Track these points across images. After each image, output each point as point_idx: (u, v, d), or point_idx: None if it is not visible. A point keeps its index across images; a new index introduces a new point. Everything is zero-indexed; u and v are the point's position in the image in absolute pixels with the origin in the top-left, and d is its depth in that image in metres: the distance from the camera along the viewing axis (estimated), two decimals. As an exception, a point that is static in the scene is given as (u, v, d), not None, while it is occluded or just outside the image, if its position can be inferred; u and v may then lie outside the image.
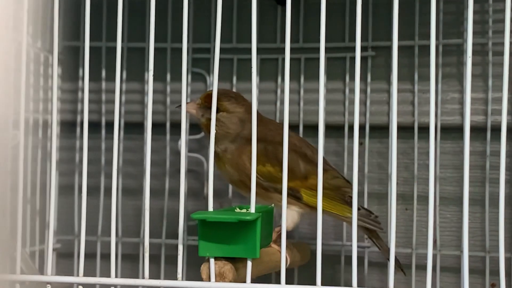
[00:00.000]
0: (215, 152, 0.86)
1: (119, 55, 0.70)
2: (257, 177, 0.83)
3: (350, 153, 1.01)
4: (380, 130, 1.02)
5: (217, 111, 0.84)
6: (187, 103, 0.85)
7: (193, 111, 0.87)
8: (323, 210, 0.83)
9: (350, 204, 0.86)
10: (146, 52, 1.05)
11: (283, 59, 0.68)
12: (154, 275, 1.01)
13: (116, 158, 0.70)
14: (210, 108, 0.85)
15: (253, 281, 0.69)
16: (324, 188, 0.84)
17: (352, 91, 1.02)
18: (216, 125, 0.84)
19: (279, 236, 0.68)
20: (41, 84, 1.01)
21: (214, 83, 0.68)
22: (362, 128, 1.00)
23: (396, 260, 0.91)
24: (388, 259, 0.91)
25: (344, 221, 0.90)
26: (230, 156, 0.85)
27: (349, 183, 0.91)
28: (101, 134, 1.06)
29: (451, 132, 1.01)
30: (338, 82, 1.04)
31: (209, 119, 0.85)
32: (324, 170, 0.88)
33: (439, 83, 1.00)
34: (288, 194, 0.84)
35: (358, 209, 0.88)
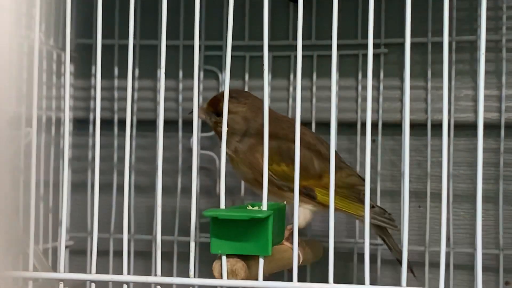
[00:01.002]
0: (227, 153, 0.86)
1: (131, 53, 0.70)
2: (271, 176, 0.84)
3: (363, 150, 1.00)
4: (393, 127, 1.02)
5: (220, 114, 0.85)
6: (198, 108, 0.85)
7: (202, 116, 0.88)
8: (337, 209, 0.83)
9: (364, 202, 0.86)
10: (158, 49, 1.05)
11: (295, 57, 0.68)
12: (167, 272, 1.01)
13: (128, 156, 0.70)
14: (214, 112, 0.86)
15: (266, 278, 0.69)
16: (338, 186, 0.84)
17: (364, 88, 1.02)
18: (220, 127, 0.85)
19: (292, 233, 0.68)
20: (54, 82, 1.01)
21: (226, 80, 0.67)
22: (374, 125, 1.00)
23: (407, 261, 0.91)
24: (398, 259, 0.91)
25: (358, 220, 0.90)
26: (243, 156, 0.85)
27: (363, 180, 0.91)
28: (113, 131, 1.06)
29: (464, 129, 1.00)
30: (350, 79, 1.04)
31: (215, 122, 0.87)
32: (339, 168, 0.88)
33: (453, 80, 1.00)
34: (302, 193, 0.84)
35: (373, 207, 0.88)
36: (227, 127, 0.85)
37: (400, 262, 0.90)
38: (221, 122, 0.84)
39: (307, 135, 0.90)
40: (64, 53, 1.01)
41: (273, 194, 0.84)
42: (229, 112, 0.85)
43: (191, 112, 0.79)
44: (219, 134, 0.87)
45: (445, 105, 0.64)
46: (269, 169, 0.83)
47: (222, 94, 0.84)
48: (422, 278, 0.98)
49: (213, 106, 0.87)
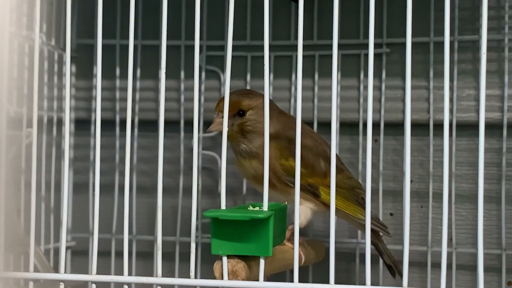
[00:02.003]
0: (246, 151, 0.85)
1: (131, 53, 0.70)
2: (279, 171, 0.84)
3: (365, 150, 1.00)
4: (395, 127, 1.02)
5: (243, 114, 0.85)
6: (211, 125, 0.84)
7: (220, 127, 0.85)
8: (337, 209, 0.83)
9: (362, 205, 0.86)
10: (160, 50, 1.05)
11: (297, 56, 0.67)
12: (169, 272, 1.01)
13: (128, 156, 0.70)
14: (233, 116, 0.85)
15: (267, 279, 0.68)
16: (340, 187, 0.84)
17: (367, 88, 1.02)
18: (249, 125, 0.84)
19: (293, 234, 0.68)
20: (56, 82, 1.01)
21: (227, 81, 0.67)
22: (377, 125, 1.00)
23: (395, 266, 0.90)
24: (389, 265, 0.91)
25: (355, 223, 0.90)
26: (260, 150, 0.84)
27: (361, 184, 0.91)
28: (115, 132, 1.06)
29: (466, 129, 1.00)
30: (352, 79, 1.03)
31: (239, 125, 0.85)
32: (341, 170, 0.88)
33: (455, 80, 0.99)
34: (307, 190, 0.85)
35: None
36: (256, 123, 0.85)
37: (389, 268, 0.91)
38: (246, 122, 0.84)
39: (314, 133, 0.91)
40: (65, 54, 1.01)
41: (278, 190, 0.84)
42: (252, 108, 0.85)
43: (208, 131, 0.81)
44: (245, 135, 0.85)
45: (446, 105, 0.64)
46: (278, 163, 0.83)
47: (234, 94, 0.84)
48: (425, 279, 0.98)
49: (232, 109, 0.84)
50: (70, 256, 1.09)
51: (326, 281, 0.66)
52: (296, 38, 1.03)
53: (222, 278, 0.67)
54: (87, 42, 1.08)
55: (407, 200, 0.65)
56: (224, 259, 0.67)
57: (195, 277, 0.69)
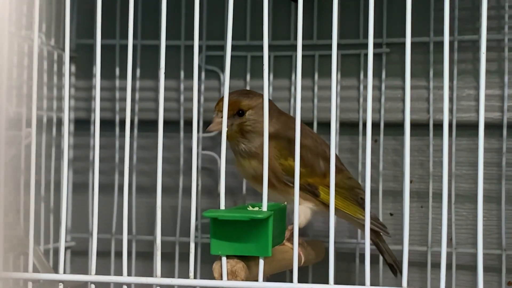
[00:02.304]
0: (246, 151, 0.85)
1: (130, 53, 0.69)
2: (278, 171, 0.84)
3: (365, 150, 1.00)
4: (395, 127, 1.01)
5: (242, 113, 0.85)
6: (210, 124, 0.84)
7: (220, 127, 0.84)
8: (337, 209, 0.83)
9: (362, 205, 0.86)
10: (159, 50, 1.05)
11: (297, 56, 0.67)
12: (169, 273, 1.01)
13: (128, 156, 0.70)
14: (233, 116, 0.85)
15: (266, 279, 0.68)
16: (339, 187, 0.84)
17: (366, 88, 1.02)
18: (248, 125, 0.84)
19: (293, 234, 0.68)
20: (55, 82, 1.01)
21: (226, 80, 0.67)
22: (376, 125, 1.00)
23: (396, 265, 0.90)
24: (390, 264, 0.91)
25: (354, 223, 0.90)
26: (259, 150, 0.84)
27: (361, 184, 0.91)
28: (115, 132, 1.06)
29: (467, 129, 1.00)
30: (352, 79, 1.03)
31: (239, 124, 0.85)
32: (340, 170, 0.88)
33: (455, 80, 0.99)
34: (307, 190, 0.85)
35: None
36: (256, 122, 0.85)
37: (391, 267, 0.91)
38: (246, 121, 0.84)
39: (314, 134, 0.91)
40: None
41: (277, 190, 0.84)
42: (251, 108, 0.85)
43: (207, 131, 0.81)
44: (245, 134, 0.85)
45: (445, 104, 0.63)
46: (277, 163, 0.83)
47: (234, 94, 0.84)
48: (425, 279, 0.98)
49: (232, 109, 0.84)
50: (70, 256, 1.09)
51: (326, 281, 0.66)
52: (295, 38, 1.03)
53: (222, 279, 0.67)
54: (87, 42, 1.08)
55: (406, 200, 0.65)
56: (224, 259, 0.67)
57: (195, 278, 0.69)
